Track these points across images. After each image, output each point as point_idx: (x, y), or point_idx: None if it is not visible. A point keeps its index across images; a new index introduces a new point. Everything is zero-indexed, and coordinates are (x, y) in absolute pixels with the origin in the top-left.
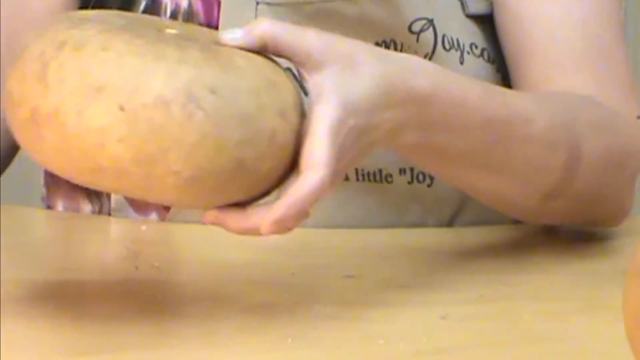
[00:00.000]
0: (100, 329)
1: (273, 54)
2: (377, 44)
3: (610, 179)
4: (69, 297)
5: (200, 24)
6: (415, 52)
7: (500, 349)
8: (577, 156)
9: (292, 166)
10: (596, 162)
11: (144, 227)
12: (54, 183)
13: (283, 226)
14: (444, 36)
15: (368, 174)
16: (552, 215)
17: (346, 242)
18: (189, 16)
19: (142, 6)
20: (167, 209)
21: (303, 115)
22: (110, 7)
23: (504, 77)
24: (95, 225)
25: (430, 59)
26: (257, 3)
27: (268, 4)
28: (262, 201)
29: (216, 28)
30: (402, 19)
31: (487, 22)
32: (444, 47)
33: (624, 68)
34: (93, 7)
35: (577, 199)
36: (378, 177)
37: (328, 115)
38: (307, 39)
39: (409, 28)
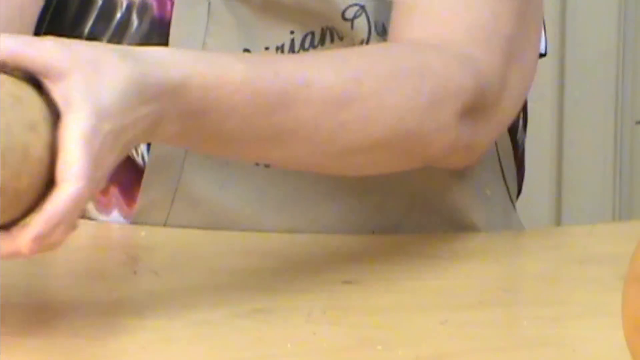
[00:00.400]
0: (99, 335)
1: (14, 69)
2: (322, 32)
3: (423, 120)
4: (68, 302)
5: (154, 18)
6: (352, 40)
7: (499, 354)
8: (374, 106)
9: (51, 180)
10: (400, 106)
11: (143, 233)
12: None
13: (46, 242)
14: (376, 22)
15: None
16: (364, 166)
17: (344, 247)
18: (143, 10)
19: (99, 2)
20: (130, 207)
21: (56, 127)
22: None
23: None
24: (94, 231)
25: (367, 42)
26: None
27: None
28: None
29: (169, 23)
30: (335, 6)
31: None
32: (377, 33)
33: (504, 24)
34: (55, 7)
35: (385, 147)
36: None
37: (79, 124)
38: (46, 50)
39: (343, 15)
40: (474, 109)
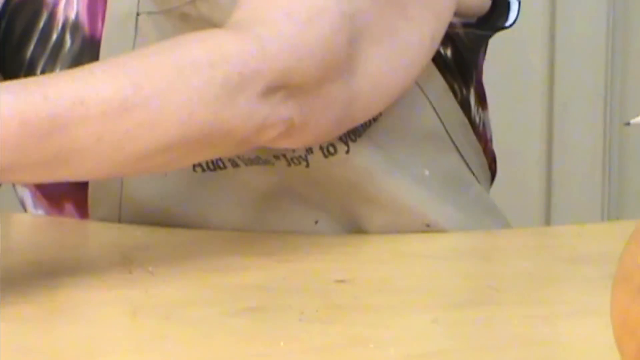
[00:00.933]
0: (94, 333)
1: None
2: None
3: (218, 110)
4: (62, 302)
5: (85, 37)
6: None
7: (489, 353)
8: (157, 108)
9: None
10: (189, 101)
11: (138, 233)
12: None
13: None
14: None
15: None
16: (169, 163)
17: (337, 247)
18: (75, 29)
19: (42, 22)
20: (84, 212)
21: None
22: (17, 22)
23: None
24: (88, 230)
25: None
26: (138, 14)
27: (148, 13)
28: None
29: (99, 40)
30: (229, 16)
31: None
32: None
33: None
34: (7, 23)
35: (182, 144)
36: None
37: None
38: None
39: None
40: (287, 88)
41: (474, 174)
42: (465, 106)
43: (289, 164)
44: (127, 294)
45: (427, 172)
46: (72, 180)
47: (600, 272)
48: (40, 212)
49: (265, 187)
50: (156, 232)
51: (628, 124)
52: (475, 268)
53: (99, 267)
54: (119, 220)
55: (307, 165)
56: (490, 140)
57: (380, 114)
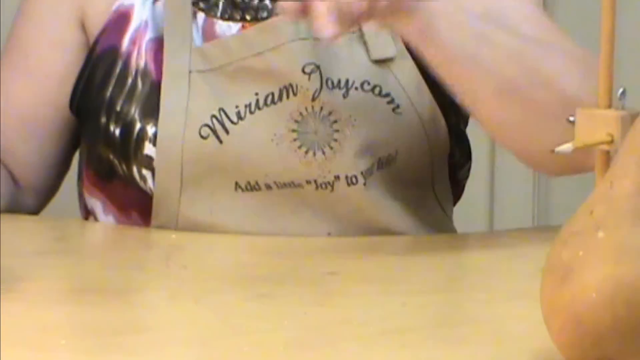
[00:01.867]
0: (139, 313)
1: None
2: (280, 91)
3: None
4: (113, 289)
5: (153, 82)
6: (307, 89)
7: (446, 329)
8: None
9: None
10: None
11: (173, 236)
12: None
13: None
14: (327, 78)
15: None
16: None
17: (329, 247)
18: (145, 74)
19: (118, 68)
20: (147, 220)
21: None
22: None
23: (396, 108)
24: (135, 234)
25: (317, 94)
26: (190, 72)
27: (198, 71)
28: None
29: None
30: (297, 63)
31: (394, 67)
32: (327, 86)
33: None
34: (90, 71)
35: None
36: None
37: None
38: None
39: (302, 69)
40: None
41: (444, 211)
42: (453, 168)
43: (317, 188)
44: (164, 283)
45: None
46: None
47: (533, 266)
48: (110, 217)
49: (291, 205)
50: (188, 235)
51: (553, 151)
52: (436, 263)
53: (142, 262)
54: (176, 227)
55: (332, 190)
56: (463, 186)
57: (395, 162)
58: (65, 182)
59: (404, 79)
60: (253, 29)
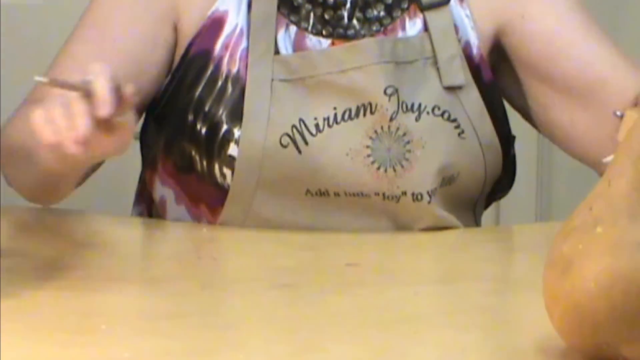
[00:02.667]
0: (172, 300)
1: None
2: (357, 108)
3: None
4: (148, 278)
5: (242, 88)
6: (386, 110)
7: (454, 316)
8: None
9: None
10: None
11: (204, 230)
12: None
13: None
14: (403, 102)
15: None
16: None
17: (349, 241)
18: (236, 80)
19: (209, 71)
20: (214, 219)
21: None
22: (190, 70)
23: (461, 133)
24: (168, 228)
25: (395, 116)
26: (272, 80)
27: (280, 80)
28: None
29: None
30: (380, 84)
31: (461, 94)
32: (402, 110)
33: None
34: (182, 71)
35: None
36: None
37: None
38: None
39: (385, 91)
40: None
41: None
42: (495, 191)
43: (384, 199)
44: (196, 273)
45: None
46: None
47: (537, 258)
48: (182, 207)
49: (356, 210)
50: (217, 229)
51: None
52: (446, 256)
53: (175, 254)
54: (243, 223)
55: (397, 202)
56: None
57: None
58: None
59: (470, 106)
60: (341, 47)
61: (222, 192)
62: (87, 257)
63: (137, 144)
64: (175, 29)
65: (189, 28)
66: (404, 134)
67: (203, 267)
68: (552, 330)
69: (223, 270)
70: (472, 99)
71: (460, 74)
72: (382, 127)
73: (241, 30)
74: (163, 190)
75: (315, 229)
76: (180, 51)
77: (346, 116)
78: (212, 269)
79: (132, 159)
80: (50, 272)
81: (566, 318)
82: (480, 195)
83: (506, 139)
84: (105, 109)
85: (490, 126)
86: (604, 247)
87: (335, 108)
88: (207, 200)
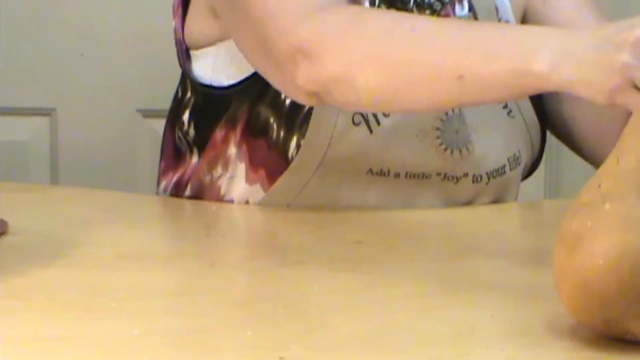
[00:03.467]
0: (181, 277)
1: None
2: None
3: None
4: (157, 256)
5: None
6: None
7: (465, 293)
8: None
9: None
10: None
11: (214, 207)
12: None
13: None
14: None
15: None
16: None
17: (356, 218)
18: None
19: None
20: (270, 185)
21: None
22: None
23: (509, 112)
24: (178, 205)
25: None
26: None
27: None
28: None
29: None
30: None
31: None
32: None
33: None
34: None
35: None
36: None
37: None
38: None
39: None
40: None
41: None
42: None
43: (443, 179)
44: (205, 250)
45: None
46: None
47: (548, 235)
48: (242, 165)
49: (414, 189)
50: (226, 207)
51: None
52: (454, 233)
53: (185, 231)
54: (295, 197)
55: (456, 183)
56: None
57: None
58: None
59: None
60: None
61: (287, 163)
62: (96, 234)
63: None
64: None
65: None
66: (470, 118)
67: (212, 245)
68: (561, 307)
69: (232, 248)
70: None
71: None
72: (453, 110)
73: None
74: (225, 147)
75: (371, 208)
76: None
77: None
78: (221, 246)
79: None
80: (58, 250)
81: (575, 295)
82: (526, 175)
83: (541, 118)
84: None
85: (529, 104)
86: (613, 223)
87: None
88: (269, 167)
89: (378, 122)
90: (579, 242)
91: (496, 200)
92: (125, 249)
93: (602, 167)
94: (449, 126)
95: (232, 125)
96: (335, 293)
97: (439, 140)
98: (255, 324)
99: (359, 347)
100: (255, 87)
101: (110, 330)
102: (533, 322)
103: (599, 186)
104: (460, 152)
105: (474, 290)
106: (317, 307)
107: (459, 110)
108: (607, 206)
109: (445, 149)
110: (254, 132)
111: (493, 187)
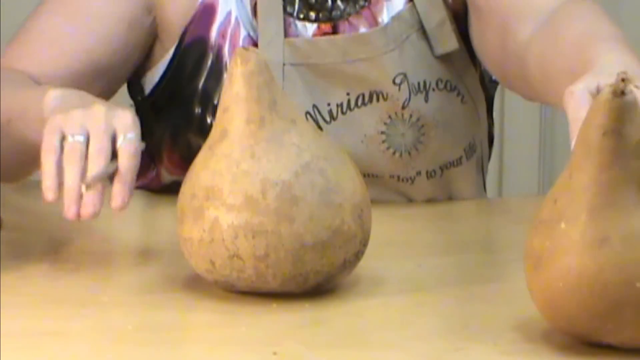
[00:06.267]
0: (176, 272)
1: None
2: (370, 94)
3: None
4: (151, 250)
5: None
6: (397, 99)
7: (458, 287)
8: None
9: None
10: None
11: None
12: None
13: None
14: (412, 85)
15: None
16: None
17: None
18: None
19: (210, 61)
20: None
21: None
22: (187, 60)
23: (462, 98)
24: (168, 201)
25: (407, 103)
26: (284, 64)
27: (291, 64)
28: None
29: None
30: (389, 75)
31: (452, 56)
32: (412, 93)
33: None
34: (178, 62)
35: None
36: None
37: None
38: None
39: (393, 81)
40: None
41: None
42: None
43: (398, 181)
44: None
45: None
46: None
47: None
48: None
49: (371, 190)
50: None
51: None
52: (448, 227)
53: None
54: None
55: (412, 183)
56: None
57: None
58: None
59: (462, 68)
60: (346, 37)
61: None
62: (89, 230)
63: None
64: (151, 13)
65: (178, 17)
66: (418, 119)
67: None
68: None
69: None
70: (463, 60)
71: (452, 39)
72: (395, 114)
73: (236, 19)
74: (169, 178)
75: None
76: (174, 40)
77: (359, 102)
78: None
79: None
80: (52, 245)
81: (544, 310)
82: (487, 160)
83: (484, 87)
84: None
85: (476, 80)
86: (568, 245)
87: (348, 94)
88: None
89: (320, 130)
90: (540, 261)
91: (455, 191)
92: (119, 244)
93: (558, 181)
94: (394, 130)
95: (159, 161)
96: (328, 288)
97: (386, 145)
98: (251, 318)
99: (353, 343)
100: (175, 113)
101: (104, 325)
102: (526, 317)
103: (555, 202)
104: (410, 153)
105: (467, 285)
106: (311, 302)
107: (410, 114)
108: (563, 225)
109: (394, 153)
110: (189, 159)
111: (448, 179)
